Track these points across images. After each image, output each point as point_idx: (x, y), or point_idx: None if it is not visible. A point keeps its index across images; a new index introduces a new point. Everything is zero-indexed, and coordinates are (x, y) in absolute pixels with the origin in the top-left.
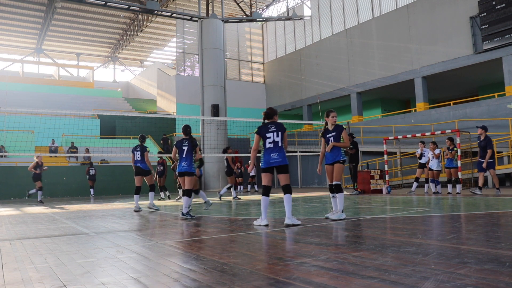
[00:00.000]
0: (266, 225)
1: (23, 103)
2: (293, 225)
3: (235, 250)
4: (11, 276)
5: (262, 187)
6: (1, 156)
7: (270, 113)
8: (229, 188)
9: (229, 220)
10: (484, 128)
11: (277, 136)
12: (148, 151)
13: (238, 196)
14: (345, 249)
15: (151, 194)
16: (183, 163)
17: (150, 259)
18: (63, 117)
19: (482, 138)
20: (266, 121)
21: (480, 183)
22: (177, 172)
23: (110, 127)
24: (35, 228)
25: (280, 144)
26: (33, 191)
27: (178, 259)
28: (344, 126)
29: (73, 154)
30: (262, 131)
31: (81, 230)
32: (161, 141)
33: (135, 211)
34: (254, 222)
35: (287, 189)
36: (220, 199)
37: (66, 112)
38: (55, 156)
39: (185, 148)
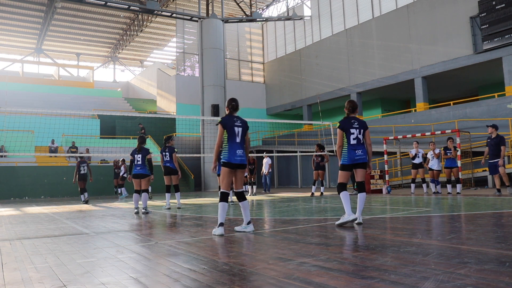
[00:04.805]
0: (355, 220)
1: (23, 103)
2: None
3: (235, 250)
4: (11, 276)
5: (341, 185)
6: (1, 156)
7: (354, 107)
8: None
9: (229, 220)
10: (495, 127)
11: (360, 133)
12: (176, 151)
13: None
14: (345, 249)
15: (177, 194)
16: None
17: (150, 259)
18: (63, 117)
19: (493, 136)
20: (350, 115)
21: (498, 184)
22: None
23: (110, 127)
24: (35, 228)
25: (362, 141)
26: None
27: (178, 259)
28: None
29: (73, 154)
30: (346, 126)
31: (81, 230)
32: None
33: (167, 208)
34: (337, 222)
35: (363, 187)
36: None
37: (66, 112)
38: (55, 156)
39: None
